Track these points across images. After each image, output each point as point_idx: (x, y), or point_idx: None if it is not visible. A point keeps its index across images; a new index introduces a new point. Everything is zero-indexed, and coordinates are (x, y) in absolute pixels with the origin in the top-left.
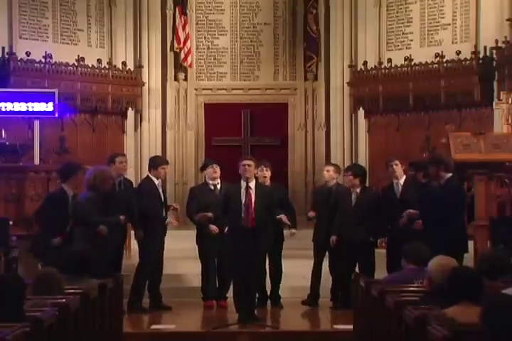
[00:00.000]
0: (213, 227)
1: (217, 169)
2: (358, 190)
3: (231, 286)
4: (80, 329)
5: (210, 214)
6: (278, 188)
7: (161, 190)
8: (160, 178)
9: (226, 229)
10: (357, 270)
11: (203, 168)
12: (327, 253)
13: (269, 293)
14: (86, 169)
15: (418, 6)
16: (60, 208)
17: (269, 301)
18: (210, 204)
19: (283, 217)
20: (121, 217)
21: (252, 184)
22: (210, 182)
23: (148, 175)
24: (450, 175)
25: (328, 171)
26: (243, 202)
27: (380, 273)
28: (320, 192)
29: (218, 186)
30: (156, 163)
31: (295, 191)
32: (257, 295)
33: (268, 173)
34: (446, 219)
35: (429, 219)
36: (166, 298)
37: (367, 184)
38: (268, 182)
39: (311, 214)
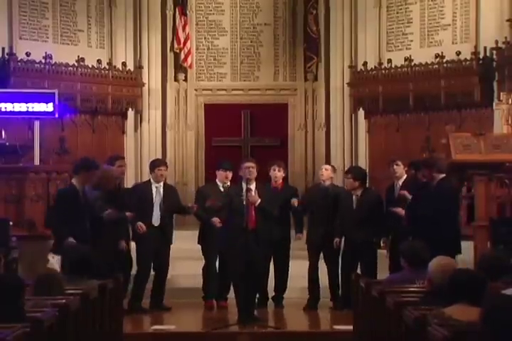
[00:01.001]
0: (216, 219)
1: (230, 175)
2: (359, 193)
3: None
4: (80, 329)
5: (220, 203)
6: (287, 191)
7: (160, 195)
8: (160, 181)
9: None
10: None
11: (217, 168)
12: (322, 253)
13: (270, 293)
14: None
15: (418, 7)
16: (72, 203)
17: (269, 301)
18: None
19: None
20: (128, 214)
21: (253, 186)
22: (220, 184)
23: (149, 179)
24: (443, 175)
25: (326, 170)
26: (244, 203)
27: (381, 273)
28: (315, 191)
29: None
30: (153, 165)
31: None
32: (258, 295)
33: (280, 174)
34: (439, 219)
35: (423, 219)
36: (166, 299)
37: (366, 185)
38: (279, 182)
39: (294, 201)
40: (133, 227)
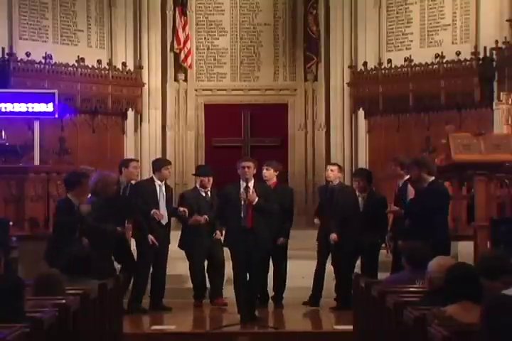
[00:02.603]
0: (198, 218)
1: (211, 180)
2: (365, 195)
3: (227, 286)
4: (80, 329)
5: (203, 219)
6: (281, 191)
7: (163, 192)
8: (165, 180)
9: (216, 232)
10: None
11: (197, 174)
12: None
13: (271, 293)
14: (91, 174)
15: (418, 7)
16: (67, 217)
17: (270, 301)
18: (201, 209)
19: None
20: (119, 229)
21: (251, 184)
22: (201, 189)
23: (152, 177)
24: (433, 178)
25: (332, 170)
26: (242, 202)
27: (381, 273)
28: (322, 192)
29: (209, 192)
30: (159, 164)
31: (295, 191)
32: (258, 295)
33: (269, 172)
34: (428, 221)
35: (413, 221)
36: (166, 299)
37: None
38: (271, 181)
39: (317, 221)
40: (135, 227)
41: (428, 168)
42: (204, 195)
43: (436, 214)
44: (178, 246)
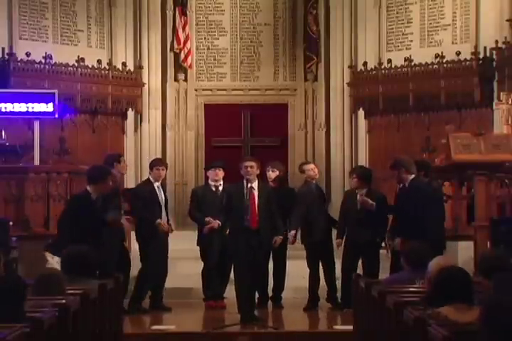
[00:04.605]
0: (210, 225)
1: (219, 172)
2: (363, 192)
3: (227, 286)
4: (80, 329)
5: (216, 224)
6: (283, 191)
7: (161, 194)
8: (158, 180)
9: (228, 230)
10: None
11: (207, 169)
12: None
13: (270, 293)
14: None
15: (418, 7)
16: (83, 209)
17: (269, 301)
18: (211, 205)
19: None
20: (127, 217)
21: (255, 184)
22: (212, 183)
23: (148, 178)
24: (413, 176)
25: (313, 169)
26: (246, 202)
27: (381, 273)
28: (307, 192)
29: (220, 188)
30: (152, 164)
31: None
32: (258, 295)
33: (274, 174)
34: (416, 219)
35: (402, 219)
36: (166, 299)
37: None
38: (273, 183)
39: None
40: (138, 228)
41: (405, 167)
42: (214, 189)
43: (425, 212)
44: (197, 244)
